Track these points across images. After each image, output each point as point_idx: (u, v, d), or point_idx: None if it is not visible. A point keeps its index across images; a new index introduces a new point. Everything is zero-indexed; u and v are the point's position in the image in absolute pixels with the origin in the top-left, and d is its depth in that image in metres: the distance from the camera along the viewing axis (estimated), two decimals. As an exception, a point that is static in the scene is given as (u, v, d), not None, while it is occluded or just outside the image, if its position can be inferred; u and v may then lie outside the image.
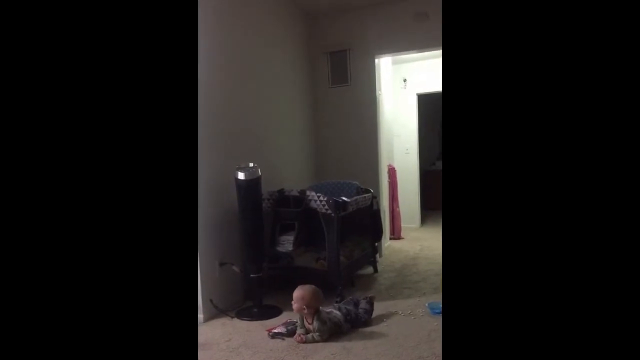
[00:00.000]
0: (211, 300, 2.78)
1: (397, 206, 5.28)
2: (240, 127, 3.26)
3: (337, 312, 2.48)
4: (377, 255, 3.95)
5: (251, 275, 2.87)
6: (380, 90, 4.59)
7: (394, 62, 5.45)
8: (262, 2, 3.67)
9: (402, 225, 5.33)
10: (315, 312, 2.36)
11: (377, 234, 3.83)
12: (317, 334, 2.33)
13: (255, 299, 2.87)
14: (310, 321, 2.37)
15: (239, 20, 3.30)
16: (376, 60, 4.39)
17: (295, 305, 2.39)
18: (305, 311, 2.36)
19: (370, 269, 3.80)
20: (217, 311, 2.80)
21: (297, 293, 2.40)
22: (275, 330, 2.45)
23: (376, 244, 3.86)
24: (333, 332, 2.37)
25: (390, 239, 5.12)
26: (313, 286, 2.46)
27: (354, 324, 2.50)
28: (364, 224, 3.70)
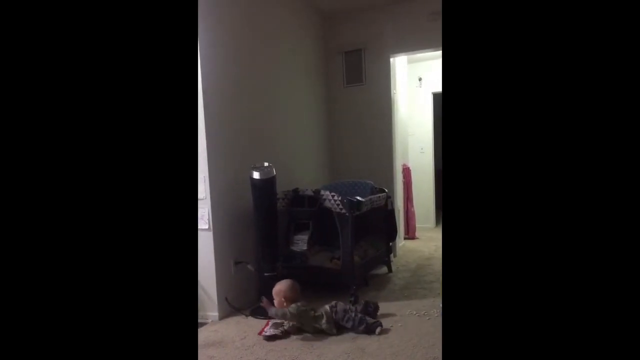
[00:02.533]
0: (226, 299, 2.80)
1: (412, 206, 5.26)
2: (255, 126, 3.28)
3: (324, 310, 2.43)
4: (392, 255, 3.94)
5: (266, 274, 2.88)
6: (395, 89, 4.57)
7: (409, 61, 5.42)
8: (277, 3, 3.69)
9: (416, 225, 5.31)
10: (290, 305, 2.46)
11: (392, 233, 3.82)
12: (286, 312, 2.39)
13: (270, 298, 2.89)
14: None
15: (254, 21, 3.32)
16: (391, 60, 4.37)
17: (276, 300, 2.54)
18: (285, 304, 2.49)
19: (384, 269, 3.79)
20: (232, 309, 2.82)
21: (275, 288, 2.57)
22: (268, 333, 2.41)
23: (390, 243, 3.85)
24: (302, 323, 2.40)
25: (405, 238, 5.10)
26: (290, 280, 2.60)
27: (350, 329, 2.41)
28: (378, 224, 3.69)
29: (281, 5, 3.75)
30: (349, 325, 2.42)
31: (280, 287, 2.57)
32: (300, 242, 3.15)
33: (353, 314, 2.45)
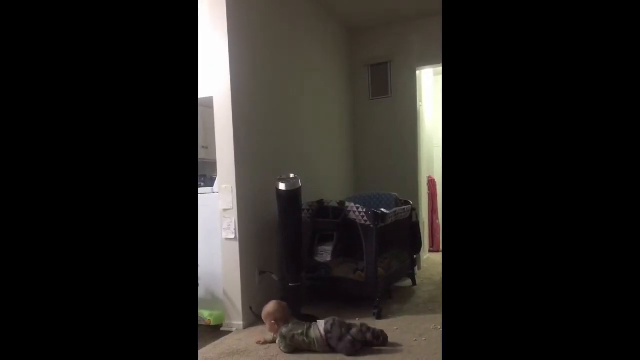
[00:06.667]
0: (251, 308, 2.84)
1: (437, 218, 5.22)
2: (282, 138, 3.34)
3: (318, 331, 2.34)
4: (416, 268, 3.91)
5: (290, 285, 2.91)
6: (421, 101, 4.58)
7: (435, 73, 5.41)
8: (304, 17, 3.76)
9: (441, 237, 5.26)
10: (283, 326, 2.42)
11: (416, 246, 3.80)
12: (281, 345, 2.40)
13: (294, 308, 2.91)
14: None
15: (282, 35, 3.39)
16: (417, 72, 4.38)
17: (267, 324, 2.49)
18: (277, 326, 2.44)
19: (408, 282, 3.77)
20: (257, 318, 2.86)
21: (264, 312, 2.51)
22: (284, 350, 2.39)
23: (415, 256, 3.83)
24: (294, 349, 2.36)
25: (430, 251, 5.06)
26: (275, 301, 2.54)
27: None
28: (402, 236, 3.68)
29: (308, 19, 3.82)
30: (344, 351, 2.28)
31: (268, 310, 2.49)
32: (324, 253, 3.17)
33: (349, 338, 2.29)
